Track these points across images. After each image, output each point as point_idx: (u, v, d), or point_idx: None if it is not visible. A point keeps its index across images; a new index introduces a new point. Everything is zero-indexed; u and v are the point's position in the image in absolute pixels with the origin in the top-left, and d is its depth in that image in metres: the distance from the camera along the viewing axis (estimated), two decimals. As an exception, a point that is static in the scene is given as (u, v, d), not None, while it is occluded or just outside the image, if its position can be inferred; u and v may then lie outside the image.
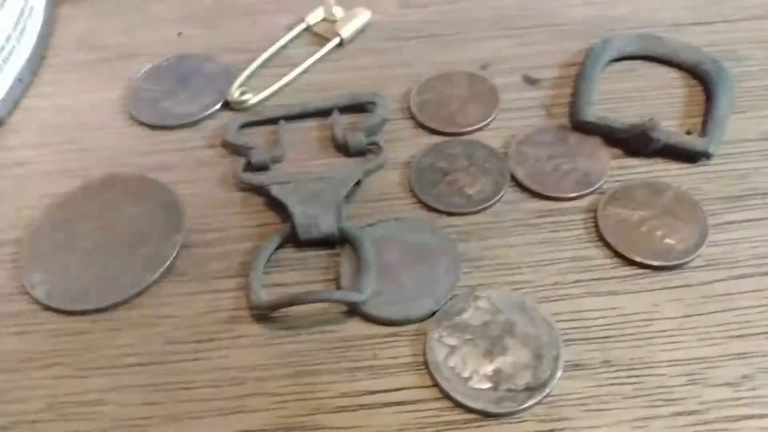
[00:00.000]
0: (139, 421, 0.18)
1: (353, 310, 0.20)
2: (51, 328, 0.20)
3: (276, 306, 0.19)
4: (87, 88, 0.27)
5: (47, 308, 0.21)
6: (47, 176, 0.24)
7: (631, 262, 0.21)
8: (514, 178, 0.23)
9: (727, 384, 0.18)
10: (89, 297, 0.20)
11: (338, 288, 0.20)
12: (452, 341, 0.19)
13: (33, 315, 0.20)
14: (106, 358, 0.20)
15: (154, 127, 0.25)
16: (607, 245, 0.21)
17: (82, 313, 0.20)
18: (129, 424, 0.18)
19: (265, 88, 0.26)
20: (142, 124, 0.25)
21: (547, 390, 0.18)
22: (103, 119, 0.26)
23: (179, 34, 0.29)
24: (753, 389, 0.18)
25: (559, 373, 0.18)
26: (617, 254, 0.21)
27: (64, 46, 0.29)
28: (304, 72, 0.27)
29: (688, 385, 0.18)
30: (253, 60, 0.27)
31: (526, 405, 0.18)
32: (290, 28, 0.28)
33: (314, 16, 0.28)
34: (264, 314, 0.20)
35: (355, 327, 0.20)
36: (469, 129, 0.24)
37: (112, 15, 0.30)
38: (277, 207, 0.22)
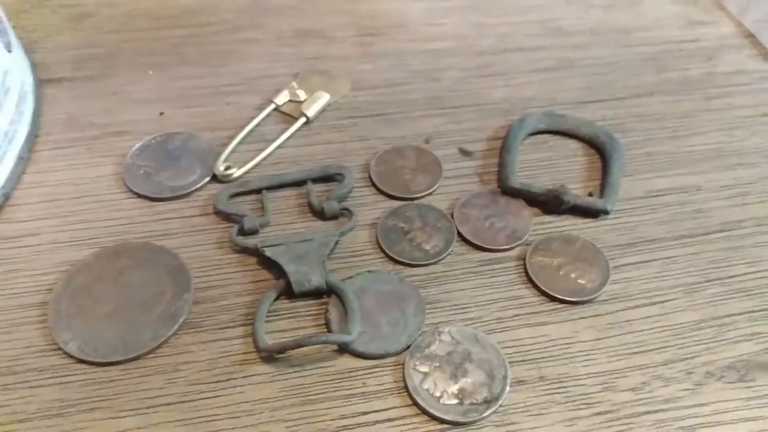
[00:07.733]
0: (175, 450, 0.22)
1: (343, 348, 0.25)
2: (86, 378, 0.24)
3: (283, 349, 0.24)
4: (81, 163, 0.30)
5: (81, 361, 0.24)
6: (59, 245, 0.27)
7: (553, 299, 0.26)
8: (459, 235, 0.28)
9: (631, 389, 0.24)
10: (117, 351, 0.24)
11: (329, 331, 0.25)
12: (424, 369, 0.24)
13: (68, 368, 0.24)
14: (138, 400, 0.23)
15: (150, 199, 0.29)
16: (535, 286, 0.27)
17: (112, 363, 0.24)
18: (167, 454, 0.22)
19: (246, 162, 0.30)
20: (139, 196, 0.29)
21: (500, 402, 0.23)
22: (101, 192, 0.29)
23: (161, 113, 0.33)
24: (650, 392, 0.24)
25: (507, 388, 0.24)
26: (543, 293, 0.27)
27: (55, 125, 0.32)
28: (278, 147, 0.31)
29: (602, 391, 0.24)
30: (232, 137, 0.31)
31: (485, 414, 0.23)
32: (260, 108, 0.33)
33: (281, 98, 0.33)
34: (270, 355, 0.24)
35: (346, 362, 0.24)
36: (421, 194, 0.30)
37: (93, 96, 0.34)
38: (270, 265, 0.27)
